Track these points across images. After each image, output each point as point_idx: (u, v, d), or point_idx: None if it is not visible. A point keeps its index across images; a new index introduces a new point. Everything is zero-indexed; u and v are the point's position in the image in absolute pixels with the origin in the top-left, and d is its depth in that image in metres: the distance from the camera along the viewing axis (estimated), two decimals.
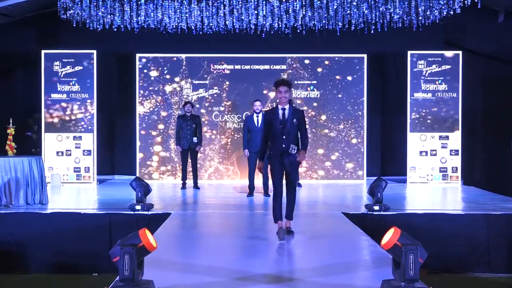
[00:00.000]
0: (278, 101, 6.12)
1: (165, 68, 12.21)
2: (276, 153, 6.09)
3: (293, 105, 6.31)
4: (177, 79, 12.21)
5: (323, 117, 12.22)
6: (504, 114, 11.80)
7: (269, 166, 6.41)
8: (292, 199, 6.25)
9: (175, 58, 12.22)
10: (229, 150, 12.25)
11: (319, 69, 12.23)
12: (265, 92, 12.16)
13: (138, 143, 12.13)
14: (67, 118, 11.58)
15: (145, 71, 12.18)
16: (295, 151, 6.02)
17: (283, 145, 6.02)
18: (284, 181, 6.23)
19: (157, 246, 4.19)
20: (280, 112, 6.07)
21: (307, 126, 6.35)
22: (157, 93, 12.18)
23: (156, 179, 12.02)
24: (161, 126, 12.18)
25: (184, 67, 12.22)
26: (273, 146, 6.11)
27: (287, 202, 6.21)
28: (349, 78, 12.20)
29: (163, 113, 12.19)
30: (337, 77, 12.22)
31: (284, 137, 6.00)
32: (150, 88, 12.17)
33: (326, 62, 12.24)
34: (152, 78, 12.18)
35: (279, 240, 5.98)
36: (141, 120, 12.15)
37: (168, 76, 12.21)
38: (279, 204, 6.18)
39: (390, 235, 4.07)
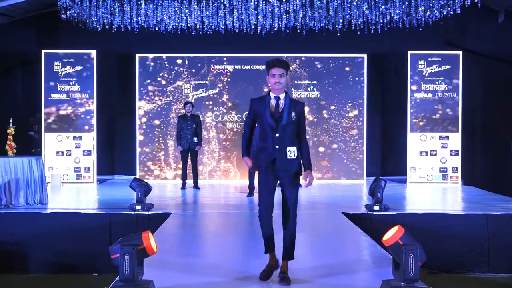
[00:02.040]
0: (270, 88, 4.57)
1: (165, 68, 12.21)
2: (266, 158, 4.47)
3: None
4: (176, 79, 12.21)
5: (323, 117, 12.21)
6: (504, 114, 11.80)
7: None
8: (291, 232, 4.51)
9: (175, 58, 12.21)
10: (229, 150, 12.24)
11: (319, 69, 12.22)
12: (266, 92, 12.17)
13: (138, 143, 12.14)
14: (67, 118, 11.57)
15: (145, 71, 12.17)
16: (295, 156, 4.45)
17: (276, 146, 4.43)
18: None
19: (157, 251, 4.19)
20: (273, 101, 4.50)
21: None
22: (157, 93, 12.18)
23: (156, 177, 12.02)
24: (161, 126, 12.18)
25: (184, 67, 12.22)
26: (261, 147, 4.54)
27: (284, 236, 4.53)
28: (349, 78, 12.19)
29: (163, 113, 12.19)
30: (337, 77, 12.21)
31: (277, 135, 4.43)
32: (150, 88, 12.17)
33: (326, 62, 12.23)
34: (152, 78, 12.18)
35: (260, 278, 4.56)
36: (141, 120, 12.15)
37: (168, 76, 12.20)
38: (268, 230, 4.55)
39: (393, 232, 4.08)
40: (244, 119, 11.21)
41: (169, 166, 12.17)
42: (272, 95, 4.53)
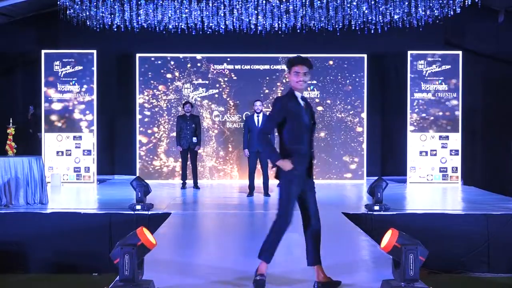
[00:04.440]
0: (292, 87, 4.30)
1: (164, 68, 12.20)
2: (303, 163, 4.23)
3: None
4: (177, 79, 12.21)
5: (323, 117, 12.21)
6: (504, 114, 11.81)
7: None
8: (316, 238, 4.40)
9: (175, 58, 12.21)
10: (229, 150, 12.24)
11: (319, 69, 12.21)
12: (266, 91, 12.17)
13: (138, 144, 12.14)
14: (67, 118, 11.57)
15: (145, 71, 12.17)
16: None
17: (311, 149, 4.29)
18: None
19: (156, 243, 4.19)
20: (301, 101, 4.25)
21: None
22: (156, 93, 12.17)
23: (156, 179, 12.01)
24: (161, 126, 12.19)
25: (184, 67, 12.21)
26: (294, 150, 4.21)
27: (313, 241, 4.41)
28: (349, 78, 12.19)
29: (163, 113, 12.19)
30: (337, 77, 12.21)
31: (311, 136, 4.28)
32: (150, 88, 12.16)
33: (326, 62, 12.23)
34: (151, 78, 12.18)
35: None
36: (141, 120, 12.15)
37: (168, 76, 12.20)
38: (281, 239, 4.36)
39: (388, 237, 4.06)
40: (244, 118, 11.22)
41: (169, 166, 12.17)
42: (298, 94, 4.27)
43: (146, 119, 12.16)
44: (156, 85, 12.18)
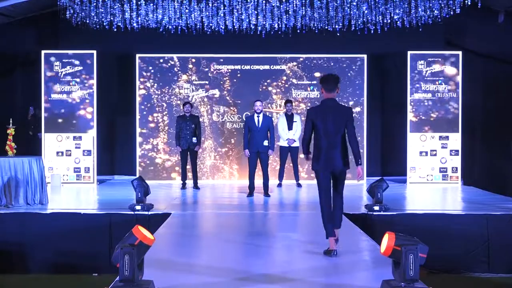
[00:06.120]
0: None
1: (164, 68, 12.20)
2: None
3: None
4: (177, 79, 12.21)
5: None
6: (504, 114, 11.79)
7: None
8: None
9: (174, 58, 12.21)
10: (229, 150, 12.24)
11: (319, 69, 12.21)
12: (266, 92, 12.17)
13: (138, 143, 12.14)
14: (67, 118, 11.56)
15: (145, 70, 12.17)
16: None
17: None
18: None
19: (155, 238, 4.19)
20: None
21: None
22: (156, 93, 12.17)
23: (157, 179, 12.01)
24: (161, 126, 12.19)
25: (184, 67, 12.21)
26: None
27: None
28: (349, 78, 12.19)
29: (163, 113, 12.19)
30: None
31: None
32: (150, 88, 12.16)
33: (326, 62, 12.23)
34: (151, 78, 12.18)
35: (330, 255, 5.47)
36: (141, 120, 12.15)
37: (168, 76, 12.20)
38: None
39: (386, 242, 4.05)
40: (244, 118, 11.23)
41: (169, 166, 12.18)
42: None
43: (146, 119, 12.16)
44: (156, 85, 12.18)
